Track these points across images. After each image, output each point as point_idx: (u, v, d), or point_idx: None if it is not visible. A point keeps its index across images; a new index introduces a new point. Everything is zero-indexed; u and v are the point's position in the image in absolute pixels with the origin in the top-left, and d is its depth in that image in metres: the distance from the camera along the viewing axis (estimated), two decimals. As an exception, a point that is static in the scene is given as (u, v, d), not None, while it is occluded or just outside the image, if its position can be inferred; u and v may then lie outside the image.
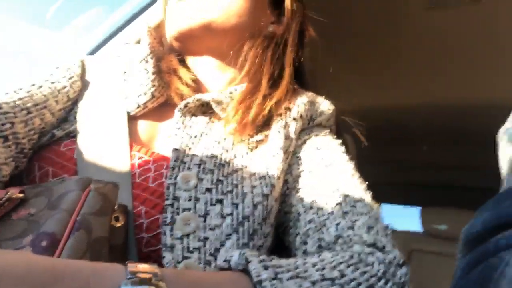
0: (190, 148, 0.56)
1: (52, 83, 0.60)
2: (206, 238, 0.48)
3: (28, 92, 0.56)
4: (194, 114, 0.61)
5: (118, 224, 0.45)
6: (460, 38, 1.56)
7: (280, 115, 0.61)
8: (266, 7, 0.67)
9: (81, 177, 0.43)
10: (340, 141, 0.66)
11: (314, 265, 0.40)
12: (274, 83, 0.64)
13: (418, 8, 1.41)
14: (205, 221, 0.49)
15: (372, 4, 1.43)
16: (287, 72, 0.65)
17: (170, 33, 0.63)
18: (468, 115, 2.08)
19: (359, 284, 0.38)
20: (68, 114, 0.62)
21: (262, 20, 0.66)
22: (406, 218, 3.42)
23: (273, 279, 0.36)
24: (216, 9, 0.61)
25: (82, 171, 0.52)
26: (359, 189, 0.55)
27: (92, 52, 1.13)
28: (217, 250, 0.48)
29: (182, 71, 0.64)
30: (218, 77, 0.66)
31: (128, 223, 0.47)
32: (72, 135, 0.58)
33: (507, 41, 1.52)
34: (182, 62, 0.67)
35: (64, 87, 0.61)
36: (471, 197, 3.10)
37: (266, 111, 0.60)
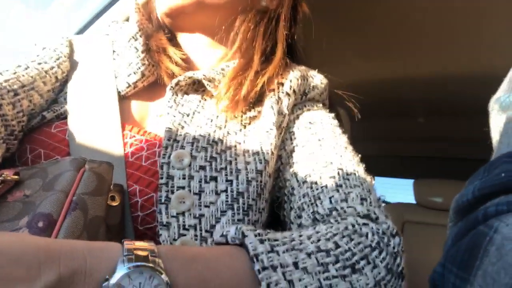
0: (183, 127, 0.56)
1: (39, 64, 0.59)
2: (201, 215, 0.49)
3: (14, 73, 0.55)
4: (186, 92, 0.60)
5: (114, 204, 0.46)
6: (454, 11, 1.54)
7: (273, 90, 0.60)
8: None
9: (75, 158, 0.43)
10: (333, 114, 0.66)
11: (309, 237, 0.40)
12: (266, 58, 0.63)
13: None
14: (200, 198, 0.50)
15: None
16: (280, 48, 0.64)
17: (161, 9, 0.62)
18: (461, 87, 2.08)
19: (354, 254, 0.39)
20: (58, 95, 0.61)
21: None
22: (400, 190, 3.47)
23: (269, 252, 0.36)
24: None
25: (75, 152, 0.52)
26: (352, 162, 0.55)
27: (80, 31, 1.11)
28: (212, 226, 0.49)
29: (171, 50, 0.62)
30: (209, 54, 0.66)
31: (124, 202, 0.48)
32: (62, 117, 0.57)
33: (500, 12, 1.51)
34: (172, 41, 0.65)
35: (52, 68, 0.60)
36: (464, 168, 3.14)
37: (258, 87, 0.59)
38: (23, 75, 0.55)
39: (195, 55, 0.66)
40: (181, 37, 0.66)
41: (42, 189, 0.40)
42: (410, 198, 2.82)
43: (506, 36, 1.63)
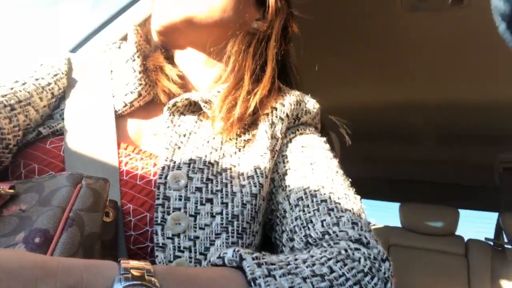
0: (179, 147, 0.56)
1: (36, 79, 0.59)
2: (196, 237, 0.49)
3: (11, 88, 0.56)
4: (182, 113, 0.61)
5: (108, 220, 0.46)
6: (442, 40, 1.60)
7: (267, 114, 0.62)
8: (250, 4, 0.68)
9: (72, 173, 0.43)
10: (324, 138, 0.67)
11: (304, 261, 0.41)
12: (258, 79, 0.65)
13: (398, 10, 1.44)
14: (195, 220, 0.50)
15: (356, 6, 1.46)
16: (270, 67, 0.66)
17: (154, 27, 0.64)
18: (448, 114, 2.14)
19: (347, 279, 0.40)
20: (53, 111, 0.61)
21: (246, 16, 0.66)
22: (386, 213, 3.49)
23: (267, 276, 0.36)
24: (200, 4, 0.61)
25: (70, 168, 0.52)
26: (343, 186, 0.56)
27: (75, 49, 1.12)
28: (207, 249, 0.49)
29: (168, 68, 0.64)
30: (204, 73, 0.67)
31: (117, 219, 0.48)
32: (58, 133, 0.58)
33: (487, 44, 1.56)
34: (168, 59, 0.67)
35: (49, 84, 0.60)
36: (450, 193, 3.19)
37: (251, 109, 0.60)
38: (20, 90, 0.56)
39: (191, 73, 0.67)
40: (177, 55, 0.68)
41: (38, 204, 0.41)
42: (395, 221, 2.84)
43: (499, 67, 1.68)
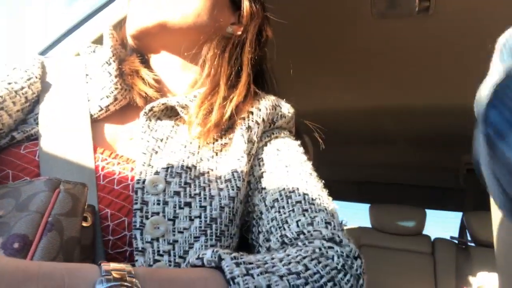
0: (156, 152, 0.57)
1: (9, 83, 0.58)
2: (175, 241, 0.50)
3: None
4: (159, 118, 0.62)
5: (86, 224, 0.46)
6: (409, 47, 1.66)
7: (243, 118, 0.63)
8: (225, 8, 0.69)
9: (50, 178, 0.43)
10: (299, 142, 0.69)
11: (280, 260, 0.43)
12: (233, 84, 0.66)
13: (367, 17, 1.49)
14: (174, 224, 0.51)
15: (326, 13, 1.49)
16: (245, 72, 0.66)
17: (129, 32, 0.64)
18: (415, 118, 2.21)
19: (322, 276, 0.41)
20: (27, 116, 0.60)
21: (221, 20, 0.67)
22: (357, 214, 3.57)
23: (245, 275, 0.38)
24: (173, 8, 0.62)
25: (46, 174, 0.52)
26: (317, 188, 0.58)
27: (45, 51, 1.10)
28: (186, 252, 0.50)
29: (144, 72, 0.64)
30: (180, 78, 0.67)
31: (95, 223, 0.48)
32: (33, 138, 0.57)
33: (452, 51, 1.64)
34: (144, 63, 0.67)
35: (22, 88, 0.59)
36: (418, 194, 3.30)
37: (227, 114, 0.61)
38: None
39: (167, 77, 0.67)
40: (152, 60, 0.68)
41: (15, 210, 0.40)
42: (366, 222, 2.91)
43: (462, 72, 1.76)
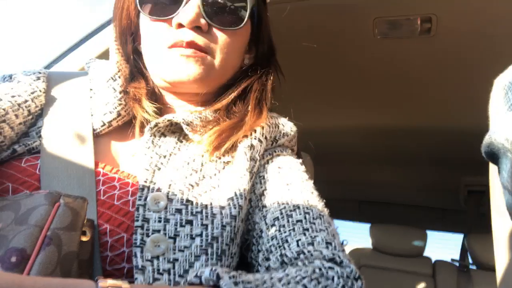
0: (159, 168, 0.57)
1: (13, 96, 0.58)
2: (175, 260, 0.49)
3: None
4: (163, 134, 0.62)
5: (85, 239, 0.45)
6: (410, 67, 1.67)
7: (246, 136, 0.63)
8: (244, 50, 0.70)
9: (50, 191, 0.43)
10: (300, 160, 0.69)
11: (280, 279, 0.42)
12: (245, 110, 0.67)
13: (369, 38, 1.50)
14: (174, 242, 0.50)
15: (328, 32, 1.51)
16: (253, 101, 0.68)
17: (164, 77, 0.63)
18: (416, 138, 2.22)
19: None
20: (29, 129, 0.60)
21: (240, 62, 0.70)
22: (357, 233, 3.55)
23: None
24: (215, 71, 0.63)
25: (46, 187, 0.51)
26: (318, 207, 0.58)
27: (50, 65, 1.11)
28: (186, 271, 0.49)
29: (146, 104, 0.63)
30: (188, 105, 0.68)
31: (94, 238, 0.48)
32: (34, 151, 0.57)
33: (453, 72, 1.65)
34: (151, 89, 0.67)
35: (26, 101, 0.59)
36: (417, 214, 3.27)
37: (237, 139, 0.62)
38: None
39: (173, 104, 0.68)
40: (170, 94, 0.68)
41: (14, 223, 0.40)
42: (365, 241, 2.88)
43: (457, 93, 1.77)
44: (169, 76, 0.62)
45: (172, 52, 0.61)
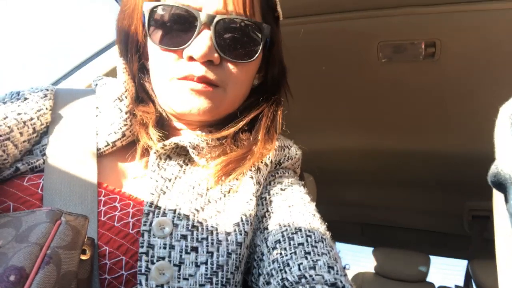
0: (164, 192, 0.56)
1: (19, 114, 0.58)
2: None
3: None
4: (168, 156, 0.61)
5: (85, 257, 0.45)
6: (414, 91, 1.68)
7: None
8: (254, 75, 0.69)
9: (52, 209, 0.43)
10: (302, 182, 0.69)
11: None
12: (255, 136, 0.66)
13: (374, 61, 1.52)
14: (179, 270, 0.49)
15: (332, 56, 1.53)
16: (274, 136, 0.67)
17: (173, 108, 0.63)
18: (421, 162, 2.21)
19: None
20: (34, 146, 0.60)
21: (250, 88, 0.69)
22: (359, 257, 3.50)
23: None
24: (226, 103, 0.63)
25: (48, 205, 0.51)
26: (319, 230, 0.57)
27: (57, 81, 1.12)
28: None
29: (151, 131, 0.61)
30: (193, 128, 0.68)
31: (93, 257, 0.47)
32: (37, 170, 0.56)
33: (457, 97, 1.66)
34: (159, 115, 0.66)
35: (31, 119, 0.59)
36: (420, 239, 3.23)
37: (245, 168, 0.61)
38: (0, 125, 0.55)
39: (179, 128, 0.68)
40: (175, 120, 0.67)
41: (15, 240, 0.40)
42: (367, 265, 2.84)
43: (462, 117, 1.77)
44: (178, 108, 0.61)
45: (182, 85, 0.60)
